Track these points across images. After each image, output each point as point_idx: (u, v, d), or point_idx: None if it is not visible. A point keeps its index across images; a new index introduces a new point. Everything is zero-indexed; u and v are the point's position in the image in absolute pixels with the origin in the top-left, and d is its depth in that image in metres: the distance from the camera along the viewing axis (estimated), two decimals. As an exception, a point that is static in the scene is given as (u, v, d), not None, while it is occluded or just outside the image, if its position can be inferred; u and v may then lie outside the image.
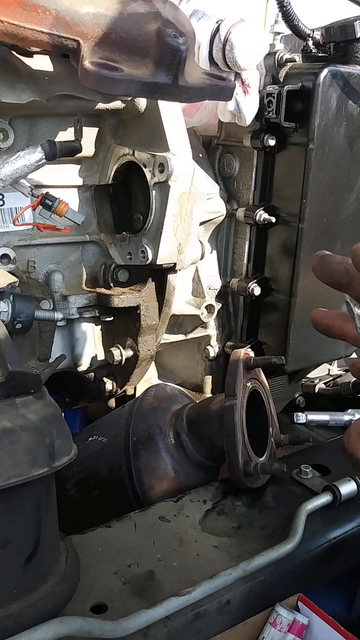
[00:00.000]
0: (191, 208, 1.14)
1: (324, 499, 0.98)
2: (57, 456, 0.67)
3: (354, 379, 1.36)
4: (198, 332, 1.42)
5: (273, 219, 1.25)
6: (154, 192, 1.11)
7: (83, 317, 1.22)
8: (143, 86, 0.85)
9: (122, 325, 1.27)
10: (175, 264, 1.18)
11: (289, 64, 1.20)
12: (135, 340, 1.23)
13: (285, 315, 1.27)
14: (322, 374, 1.56)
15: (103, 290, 1.23)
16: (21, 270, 1.13)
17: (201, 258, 1.34)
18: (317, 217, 1.22)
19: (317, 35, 1.22)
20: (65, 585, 0.71)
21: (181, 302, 1.35)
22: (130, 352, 1.24)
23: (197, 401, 1.20)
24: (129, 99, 1.09)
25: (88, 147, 1.14)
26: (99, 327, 1.29)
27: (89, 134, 1.14)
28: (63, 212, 1.02)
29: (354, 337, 0.60)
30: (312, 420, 1.08)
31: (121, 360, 1.24)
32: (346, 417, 1.12)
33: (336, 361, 1.58)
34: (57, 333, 1.15)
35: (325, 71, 1.13)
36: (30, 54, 1.02)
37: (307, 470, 1.08)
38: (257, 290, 1.30)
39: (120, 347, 1.24)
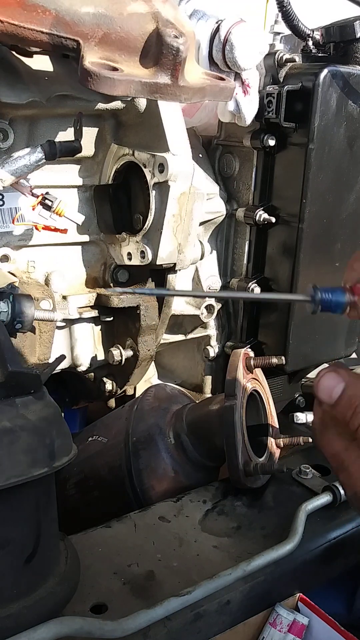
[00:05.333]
0: (191, 208, 1.14)
1: (324, 499, 0.98)
2: (57, 456, 0.67)
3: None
4: (198, 332, 1.42)
5: (273, 219, 1.25)
6: (153, 192, 1.11)
7: (83, 317, 1.22)
8: (143, 86, 0.85)
9: (122, 326, 1.27)
10: (175, 264, 1.18)
11: (288, 64, 1.20)
12: (135, 340, 1.23)
13: (285, 315, 1.27)
14: (322, 374, 1.56)
15: (103, 291, 1.23)
16: (21, 270, 1.13)
17: (201, 258, 1.34)
18: (317, 217, 1.22)
19: (317, 35, 1.22)
20: (65, 585, 0.71)
21: (181, 302, 1.35)
22: (130, 352, 1.24)
23: (197, 401, 1.20)
24: (129, 99, 1.09)
25: (88, 147, 1.14)
26: (99, 327, 1.28)
27: (89, 134, 1.14)
28: (63, 212, 1.02)
29: None
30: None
31: (121, 360, 1.24)
32: (346, 417, 1.12)
33: (336, 361, 1.58)
34: (57, 333, 1.15)
35: (325, 71, 1.13)
36: (30, 54, 1.02)
37: (307, 470, 1.08)
38: (257, 291, 1.30)
39: (120, 347, 1.24)
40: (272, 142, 1.21)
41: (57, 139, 1.02)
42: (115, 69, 0.84)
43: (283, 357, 1.09)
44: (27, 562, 0.66)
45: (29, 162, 0.97)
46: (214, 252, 1.38)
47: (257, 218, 1.25)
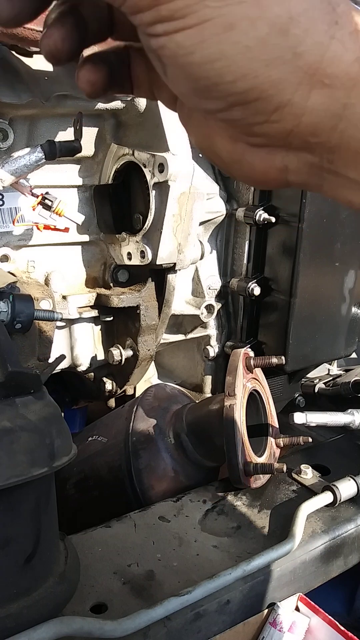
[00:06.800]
0: (191, 208, 1.14)
1: (324, 499, 0.98)
2: (57, 456, 0.67)
3: (354, 378, 1.36)
4: (198, 332, 1.42)
5: (273, 219, 1.25)
6: (153, 192, 1.11)
7: (83, 317, 1.22)
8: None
9: (121, 325, 1.27)
10: (175, 264, 1.18)
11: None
12: (135, 340, 1.23)
13: (285, 315, 1.27)
14: (322, 374, 1.56)
15: (103, 291, 1.23)
16: (21, 270, 1.13)
17: (201, 258, 1.34)
18: (317, 217, 1.22)
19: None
20: (65, 585, 0.71)
21: (181, 302, 1.35)
22: (130, 352, 1.24)
23: (197, 401, 1.20)
24: (129, 98, 1.09)
25: (88, 147, 1.14)
26: (99, 327, 1.29)
27: (89, 134, 1.14)
28: (62, 212, 1.02)
29: None
30: (312, 420, 1.09)
31: (121, 360, 1.24)
32: (345, 418, 1.12)
33: (336, 361, 1.58)
34: (57, 333, 1.15)
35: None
36: (30, 54, 1.02)
37: (307, 470, 1.08)
38: (257, 290, 1.30)
39: (120, 347, 1.24)
40: (272, 142, 1.20)
41: (57, 139, 1.02)
42: (115, 69, 0.83)
43: (283, 357, 1.09)
44: (27, 562, 0.66)
45: (29, 162, 0.97)
46: (214, 252, 1.38)
47: (257, 218, 1.25)
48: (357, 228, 1.31)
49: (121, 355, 1.23)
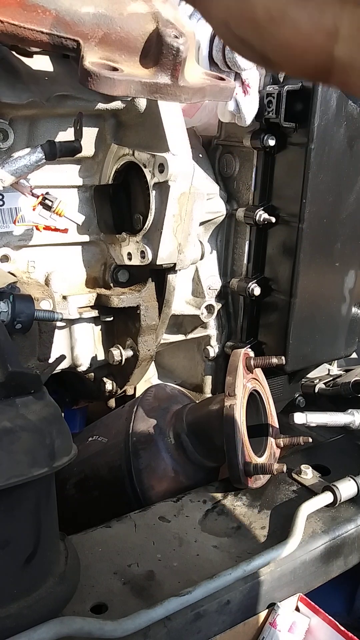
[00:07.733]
0: (191, 208, 1.14)
1: (324, 499, 0.98)
2: (57, 456, 0.67)
3: (355, 378, 1.36)
4: (198, 332, 1.42)
5: (273, 219, 1.25)
6: (153, 192, 1.11)
7: (83, 317, 1.22)
8: (143, 86, 0.85)
9: (122, 326, 1.27)
10: (175, 264, 1.18)
11: (289, 64, 1.20)
12: (135, 340, 1.23)
13: (285, 315, 1.27)
14: (322, 374, 1.56)
15: (103, 291, 1.23)
16: (21, 270, 1.13)
17: (201, 258, 1.34)
18: (317, 217, 1.22)
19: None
20: (65, 585, 0.71)
21: (181, 302, 1.35)
22: (130, 352, 1.24)
23: (197, 401, 1.20)
24: (129, 99, 1.09)
25: (88, 147, 1.14)
26: (99, 327, 1.29)
27: (89, 134, 1.14)
28: (63, 212, 1.02)
29: None
30: (312, 420, 1.09)
31: (121, 360, 1.24)
32: (345, 418, 1.12)
33: (336, 361, 1.58)
34: (57, 333, 1.15)
35: (325, 71, 1.12)
36: (30, 54, 1.02)
37: (307, 470, 1.08)
38: (257, 290, 1.30)
39: (120, 347, 1.24)
40: (272, 142, 1.21)
41: (57, 139, 1.02)
42: (115, 69, 0.84)
43: (283, 357, 1.09)
44: (27, 562, 0.66)
45: (29, 162, 0.97)
46: (214, 252, 1.38)
47: (257, 218, 1.25)
48: (357, 228, 1.31)
49: (121, 356, 1.23)
